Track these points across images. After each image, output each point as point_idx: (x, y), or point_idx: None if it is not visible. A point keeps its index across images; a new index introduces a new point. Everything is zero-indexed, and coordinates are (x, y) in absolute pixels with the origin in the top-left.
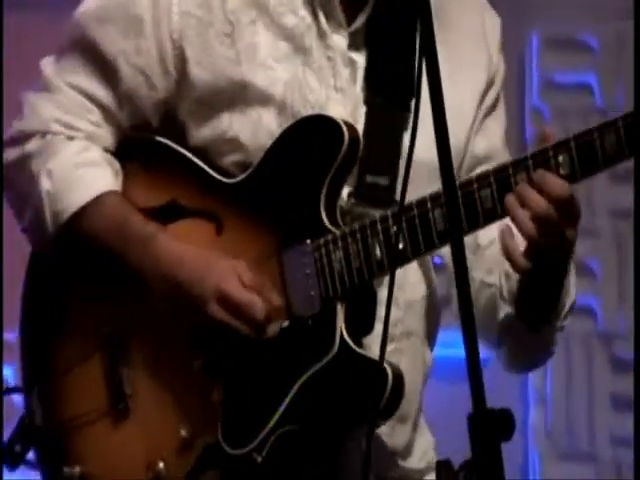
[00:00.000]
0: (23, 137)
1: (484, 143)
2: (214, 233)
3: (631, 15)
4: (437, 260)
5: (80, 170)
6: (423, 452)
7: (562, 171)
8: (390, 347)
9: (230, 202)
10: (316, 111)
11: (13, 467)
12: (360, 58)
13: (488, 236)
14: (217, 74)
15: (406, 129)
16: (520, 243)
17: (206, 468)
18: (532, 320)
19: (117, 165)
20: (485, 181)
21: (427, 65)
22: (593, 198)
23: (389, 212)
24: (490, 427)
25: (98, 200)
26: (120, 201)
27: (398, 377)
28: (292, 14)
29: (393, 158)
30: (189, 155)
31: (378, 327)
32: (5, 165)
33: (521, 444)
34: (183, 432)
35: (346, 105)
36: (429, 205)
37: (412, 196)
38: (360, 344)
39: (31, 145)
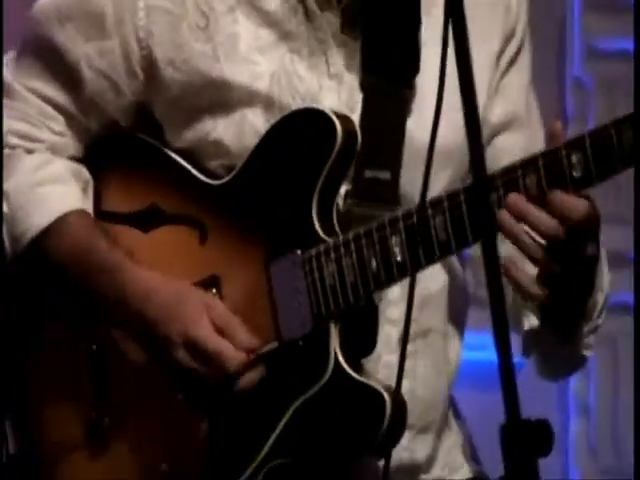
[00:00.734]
0: None
1: (501, 107)
2: (197, 242)
3: None
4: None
5: (39, 189)
6: (446, 454)
7: (575, 173)
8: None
9: (214, 207)
10: (307, 103)
11: None
12: (356, 37)
13: None
14: (193, 74)
15: (408, 112)
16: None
17: None
18: (561, 330)
19: (86, 175)
20: (491, 185)
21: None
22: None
23: (386, 219)
24: (525, 440)
25: (59, 222)
26: (84, 224)
27: (398, 405)
28: None
29: (394, 148)
30: (172, 155)
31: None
32: None
33: (560, 461)
34: (164, 467)
35: (341, 93)
36: (430, 212)
37: (420, 186)
38: (359, 367)
39: None
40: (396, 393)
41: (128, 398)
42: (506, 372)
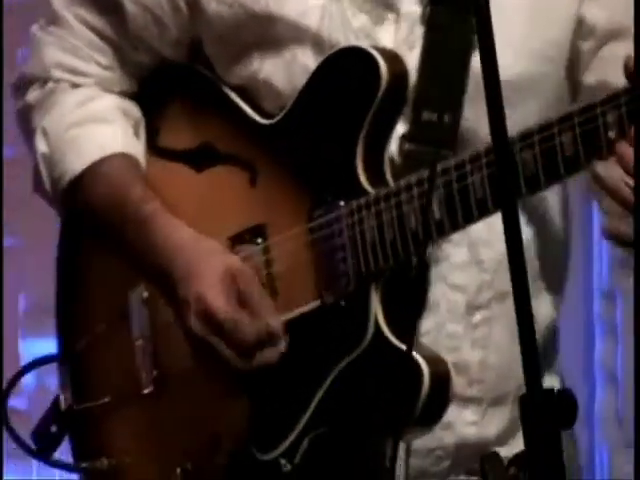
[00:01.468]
0: (24, 84)
1: (604, 12)
2: (248, 185)
3: None
4: None
5: (78, 130)
6: None
7: None
8: (476, 317)
9: (265, 148)
10: (361, 40)
11: (47, 453)
12: None
13: None
14: (237, 8)
15: (475, 47)
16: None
17: (236, 474)
18: None
19: (137, 112)
20: (567, 123)
21: None
22: None
23: (425, 174)
24: (547, 411)
25: (96, 167)
26: (120, 170)
27: (439, 377)
28: None
29: (456, 87)
30: (228, 91)
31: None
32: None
33: (586, 433)
34: (213, 432)
35: (400, 28)
36: (468, 168)
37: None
38: (406, 333)
39: (31, 95)
40: (438, 363)
41: (177, 353)
42: (527, 340)
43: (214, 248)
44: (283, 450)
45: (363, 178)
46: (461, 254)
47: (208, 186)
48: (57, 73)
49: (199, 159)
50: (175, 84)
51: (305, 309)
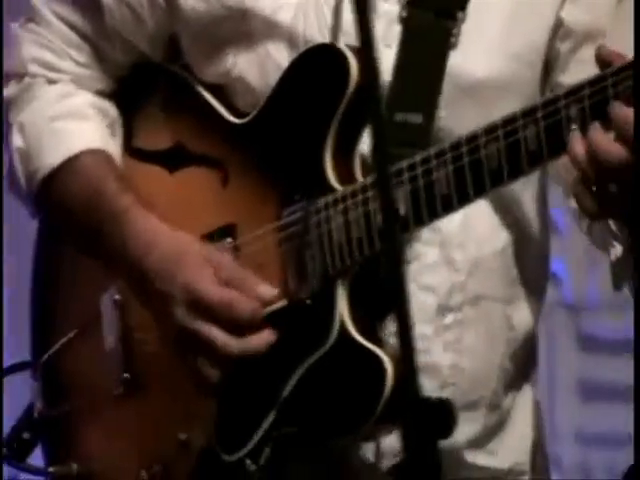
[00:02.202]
0: (4, 79)
1: (582, 14)
2: (219, 185)
3: None
4: None
5: (54, 124)
6: (512, 450)
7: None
8: (448, 319)
9: (237, 147)
10: (336, 39)
11: (20, 459)
12: None
13: None
14: (213, 2)
15: (454, 46)
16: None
17: (202, 476)
18: None
19: (113, 111)
20: (531, 117)
21: None
22: None
23: (397, 167)
24: (424, 420)
25: (71, 162)
26: (96, 165)
27: (404, 376)
28: None
29: (431, 88)
30: (201, 90)
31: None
32: None
33: None
34: (182, 436)
35: (378, 26)
36: (434, 163)
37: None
38: (372, 332)
39: (9, 90)
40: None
41: (149, 355)
42: (406, 344)
43: (190, 239)
44: (248, 451)
45: (331, 176)
46: (432, 254)
47: (180, 187)
48: (33, 68)
49: (172, 160)
50: (150, 85)
51: (272, 308)
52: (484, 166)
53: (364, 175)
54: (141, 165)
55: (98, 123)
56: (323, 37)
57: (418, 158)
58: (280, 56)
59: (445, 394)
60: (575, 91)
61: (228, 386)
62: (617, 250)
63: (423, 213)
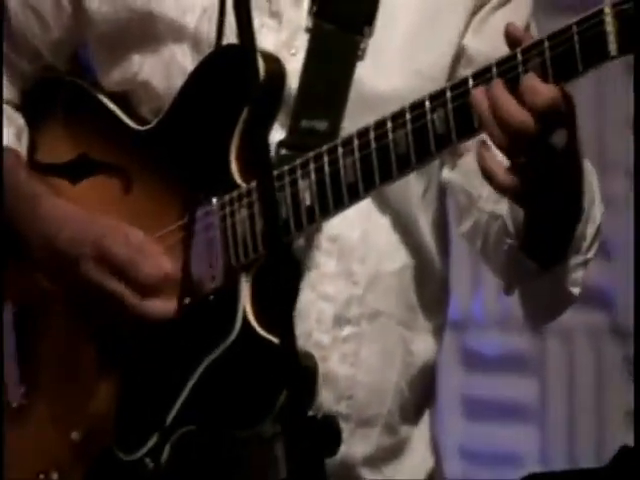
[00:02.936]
0: None
1: (485, 45)
2: (122, 191)
3: None
4: None
5: None
6: (410, 473)
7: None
8: (345, 331)
9: (140, 154)
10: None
11: None
12: None
13: None
14: (118, 5)
15: (360, 58)
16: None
17: (100, 478)
18: (542, 255)
19: (20, 120)
20: (440, 99)
21: None
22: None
23: (298, 161)
24: (309, 439)
25: None
26: (12, 161)
27: (306, 370)
28: None
29: (338, 97)
30: (104, 100)
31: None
32: None
33: None
34: (74, 435)
35: (281, 33)
36: (340, 152)
37: None
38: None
39: None
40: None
41: (46, 362)
42: (290, 362)
43: (101, 214)
44: (148, 449)
45: (236, 174)
46: (330, 264)
47: (84, 197)
48: None
49: (74, 171)
50: (52, 98)
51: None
52: (391, 151)
53: None
54: (46, 179)
55: (6, 129)
56: (227, 41)
57: (325, 148)
58: (185, 60)
59: (341, 407)
60: (483, 72)
61: (128, 383)
62: (513, 244)
63: (329, 203)
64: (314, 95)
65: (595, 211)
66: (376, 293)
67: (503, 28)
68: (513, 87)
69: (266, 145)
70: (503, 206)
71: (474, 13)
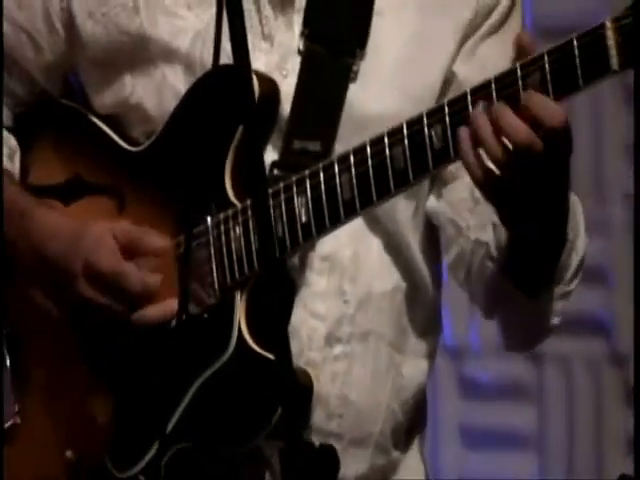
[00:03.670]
0: None
1: (474, 74)
2: (115, 211)
3: None
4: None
5: None
6: None
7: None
8: (336, 350)
9: (133, 175)
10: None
11: None
12: None
13: None
14: (111, 28)
15: (352, 80)
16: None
17: None
18: (525, 282)
19: (12, 142)
20: (438, 115)
21: None
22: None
23: (294, 179)
24: (307, 466)
25: None
26: (4, 180)
27: (301, 387)
28: None
29: (329, 118)
30: (97, 121)
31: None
32: None
33: None
34: (69, 454)
35: (273, 55)
36: (336, 169)
37: None
38: (270, 344)
39: None
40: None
41: (38, 381)
42: (285, 380)
43: (90, 223)
44: (142, 467)
45: (231, 192)
46: (322, 283)
47: (77, 218)
48: None
49: (67, 192)
50: (44, 120)
51: (172, 323)
52: (388, 167)
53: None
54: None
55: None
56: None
57: (321, 165)
58: (177, 82)
59: (332, 425)
60: (482, 87)
61: (122, 401)
62: (495, 269)
63: (325, 219)
64: (306, 116)
65: (579, 242)
66: (367, 313)
67: (493, 56)
68: (513, 102)
69: (261, 163)
70: (489, 233)
71: (464, 40)
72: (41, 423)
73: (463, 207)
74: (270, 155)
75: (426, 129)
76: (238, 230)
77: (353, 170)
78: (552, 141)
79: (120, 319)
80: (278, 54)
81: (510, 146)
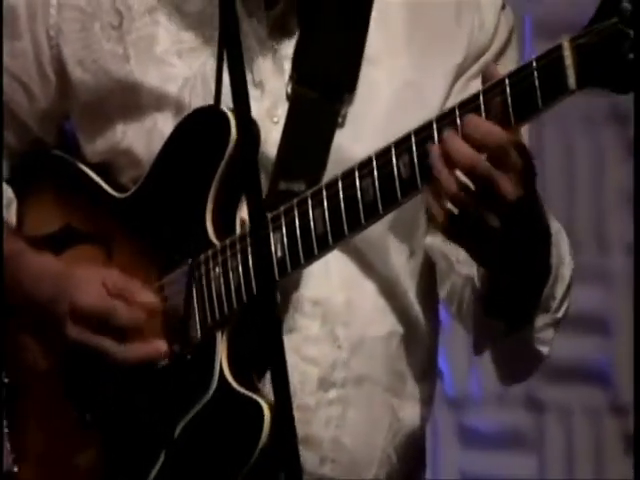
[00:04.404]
0: None
1: None
2: (104, 259)
3: None
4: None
5: None
6: None
7: (494, 118)
8: (330, 394)
9: (121, 221)
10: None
11: None
12: (287, 45)
13: None
14: (102, 75)
15: (340, 125)
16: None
17: None
18: (510, 315)
19: (9, 192)
20: (404, 145)
21: None
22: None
23: (269, 216)
24: None
25: None
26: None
27: (281, 421)
28: None
29: (316, 161)
30: (87, 170)
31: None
32: None
33: None
34: None
35: (263, 102)
36: (310, 204)
37: None
38: (252, 383)
39: None
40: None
41: (32, 429)
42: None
43: (78, 266)
44: None
45: (211, 233)
46: (314, 327)
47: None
48: None
49: (59, 242)
50: (38, 171)
51: (157, 364)
52: (358, 200)
53: (243, 229)
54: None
55: None
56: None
57: (295, 201)
58: (166, 127)
59: (325, 469)
60: (446, 115)
61: (109, 446)
62: (480, 304)
63: (299, 254)
64: (293, 159)
65: (564, 270)
66: (361, 358)
67: None
68: None
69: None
70: (474, 268)
71: (455, 80)
72: (36, 471)
73: None
74: None
75: (394, 159)
76: (217, 270)
77: (325, 204)
78: (499, 161)
79: (106, 360)
80: (269, 101)
81: (462, 178)
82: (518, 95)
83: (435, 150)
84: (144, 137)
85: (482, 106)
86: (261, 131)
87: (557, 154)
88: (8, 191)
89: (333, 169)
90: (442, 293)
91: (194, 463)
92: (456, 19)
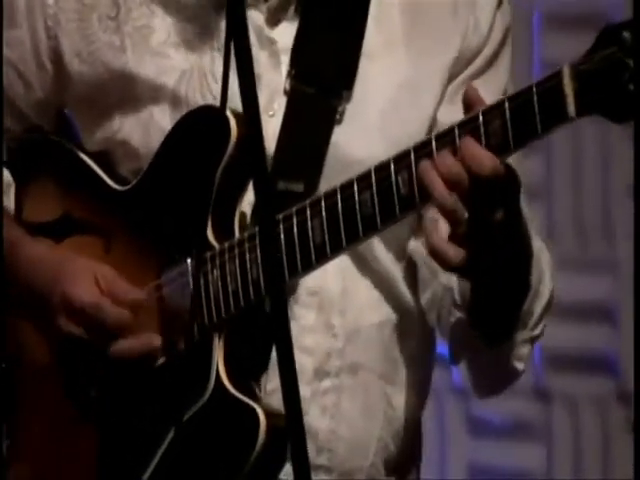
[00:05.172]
0: None
1: (455, 116)
2: (102, 251)
3: None
4: None
5: None
6: None
7: (493, 141)
8: (325, 384)
9: (119, 214)
10: (218, 103)
11: None
12: (285, 37)
13: None
14: (98, 66)
15: (338, 122)
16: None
17: None
18: (488, 330)
19: (7, 175)
20: (404, 162)
21: None
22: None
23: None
24: None
25: None
26: None
27: (277, 431)
28: None
29: (314, 159)
30: (86, 159)
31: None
32: None
33: None
34: None
35: (260, 95)
36: (308, 213)
37: None
38: (249, 386)
39: None
40: (275, 415)
41: (27, 419)
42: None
43: (73, 256)
44: None
45: (210, 234)
46: (310, 317)
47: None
48: None
49: (58, 230)
50: (37, 157)
51: (154, 363)
52: (357, 212)
53: (242, 231)
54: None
55: None
56: (205, 101)
57: (294, 209)
58: (163, 119)
59: (322, 459)
60: (446, 134)
61: (105, 443)
62: (459, 315)
63: (297, 263)
64: (291, 157)
65: (544, 288)
66: (356, 346)
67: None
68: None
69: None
70: (453, 279)
71: (449, 81)
72: (30, 461)
73: None
74: (253, 195)
75: (393, 175)
76: (216, 273)
77: (324, 214)
78: (480, 188)
79: (100, 354)
80: (265, 94)
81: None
82: (518, 119)
83: (426, 165)
84: (141, 129)
85: (481, 128)
86: None
87: (565, 145)
88: (6, 174)
89: (331, 167)
90: (422, 300)
91: (188, 466)
92: (452, 17)
